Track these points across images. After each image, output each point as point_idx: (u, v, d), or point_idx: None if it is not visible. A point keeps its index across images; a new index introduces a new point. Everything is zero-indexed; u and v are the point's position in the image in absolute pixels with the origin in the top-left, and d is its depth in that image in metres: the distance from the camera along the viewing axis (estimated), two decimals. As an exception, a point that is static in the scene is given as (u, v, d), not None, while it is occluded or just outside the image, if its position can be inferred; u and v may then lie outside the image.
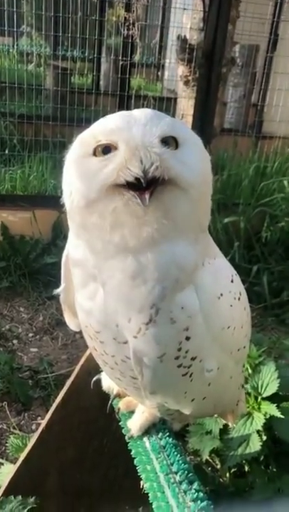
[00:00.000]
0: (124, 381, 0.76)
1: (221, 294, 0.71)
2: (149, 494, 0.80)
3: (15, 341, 2.39)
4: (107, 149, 0.62)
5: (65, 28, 4.09)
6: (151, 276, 0.63)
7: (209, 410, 0.92)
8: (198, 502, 0.74)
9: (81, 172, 0.63)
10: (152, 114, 0.63)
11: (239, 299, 0.75)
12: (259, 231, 2.94)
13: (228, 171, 3.45)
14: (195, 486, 0.77)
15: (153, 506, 0.79)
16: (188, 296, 0.66)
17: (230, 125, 5.16)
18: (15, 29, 4.10)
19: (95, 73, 5.31)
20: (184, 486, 0.77)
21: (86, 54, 5.09)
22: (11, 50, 5.24)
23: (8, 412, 1.85)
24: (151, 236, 0.62)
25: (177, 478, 0.78)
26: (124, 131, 0.61)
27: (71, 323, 0.86)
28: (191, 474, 0.79)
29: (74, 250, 0.69)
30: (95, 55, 5.14)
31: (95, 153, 0.63)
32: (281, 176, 3.22)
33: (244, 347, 0.81)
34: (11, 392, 1.93)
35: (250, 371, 1.54)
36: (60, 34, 4.27)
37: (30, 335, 2.46)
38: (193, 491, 0.76)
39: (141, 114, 0.63)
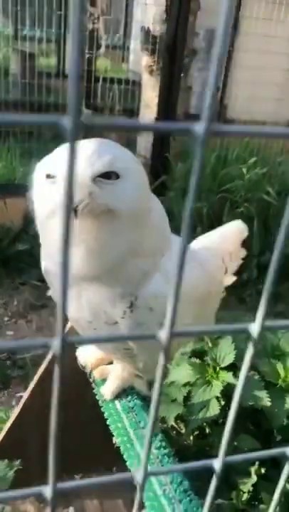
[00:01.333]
0: (119, 354, 0.89)
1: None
2: (121, 447, 0.96)
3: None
4: (52, 176, 0.72)
5: (28, 6, 4.07)
6: (121, 281, 0.76)
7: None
8: (161, 449, 0.91)
9: (36, 193, 0.75)
10: (93, 151, 0.71)
11: (194, 261, 0.90)
12: (220, 216, 3.11)
13: (192, 158, 3.59)
14: (159, 437, 0.93)
15: (124, 456, 0.94)
16: (158, 284, 0.79)
17: (197, 110, 5.25)
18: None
19: (60, 57, 5.26)
20: (148, 437, 0.93)
21: (51, 35, 5.05)
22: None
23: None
24: (93, 260, 0.73)
25: (143, 432, 0.94)
26: (62, 167, 0.69)
27: None
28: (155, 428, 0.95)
29: (48, 263, 0.80)
30: (60, 37, 5.09)
31: (45, 177, 0.73)
32: (241, 163, 3.39)
33: (209, 291, 0.95)
34: (-9, 372, 2.06)
35: (209, 345, 1.72)
36: (25, 18, 4.25)
37: (6, 319, 2.57)
38: (157, 441, 0.92)
39: (83, 150, 0.71)
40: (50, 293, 0.90)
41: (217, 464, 0.35)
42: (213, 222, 3.12)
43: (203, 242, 1.06)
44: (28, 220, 3.13)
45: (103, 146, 0.74)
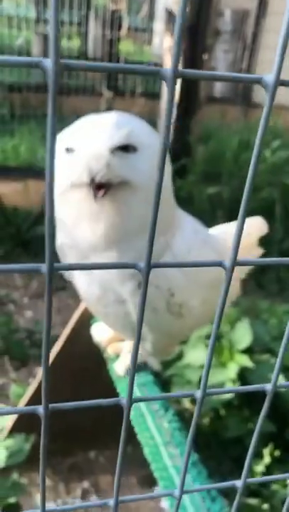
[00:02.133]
0: (127, 331, 0.90)
1: (190, 249, 0.84)
2: (133, 422, 0.97)
3: (11, 305, 2.55)
4: (71, 150, 0.72)
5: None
6: (133, 256, 0.75)
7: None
8: (173, 423, 0.91)
9: (57, 166, 0.75)
10: (112, 123, 0.71)
11: (205, 241, 0.89)
12: (241, 200, 3.07)
13: (215, 142, 3.55)
14: (170, 411, 0.94)
15: (136, 430, 0.95)
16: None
17: (222, 94, 5.17)
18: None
19: (82, 39, 5.24)
20: (160, 412, 0.93)
21: (73, 19, 5.03)
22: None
23: (8, 367, 2.02)
24: (106, 234, 0.73)
25: (155, 406, 0.95)
26: (80, 139, 0.70)
27: None
28: (166, 404, 0.96)
29: (63, 237, 0.79)
30: (82, 21, 5.07)
31: (65, 151, 0.72)
32: (265, 147, 3.33)
33: (220, 275, 0.94)
34: (10, 351, 2.10)
35: (227, 328, 1.72)
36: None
37: (25, 300, 2.61)
38: (170, 415, 0.93)
39: (102, 122, 0.72)
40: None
41: (239, 483, 0.37)
42: (234, 206, 3.09)
43: (221, 231, 1.05)
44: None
45: (122, 118, 0.74)
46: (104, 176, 0.69)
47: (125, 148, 0.71)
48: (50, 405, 0.30)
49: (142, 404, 0.95)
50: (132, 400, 0.31)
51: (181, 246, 0.83)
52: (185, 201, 3.02)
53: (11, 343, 2.08)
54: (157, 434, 0.91)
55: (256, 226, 1.09)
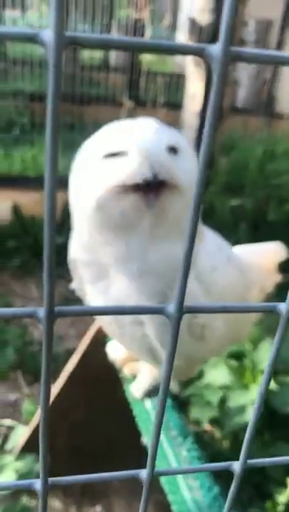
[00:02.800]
0: (144, 354, 0.84)
1: (214, 267, 0.78)
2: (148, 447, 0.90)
3: (26, 317, 2.50)
4: (114, 153, 0.67)
5: (76, 5, 4.09)
6: (157, 273, 0.71)
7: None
8: (192, 452, 0.84)
9: (91, 174, 0.69)
10: (157, 125, 0.70)
11: (229, 259, 0.84)
12: (266, 213, 2.99)
13: (237, 152, 3.49)
14: (189, 439, 0.87)
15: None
16: (189, 285, 0.74)
17: (245, 104, 5.12)
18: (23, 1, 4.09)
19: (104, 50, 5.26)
20: (179, 439, 0.86)
21: (96, 30, 5.06)
22: (19, 23, 5.20)
23: (21, 383, 1.97)
24: (152, 235, 0.68)
25: (173, 432, 0.88)
26: (135, 138, 0.67)
27: None
28: (185, 430, 0.89)
29: (82, 252, 0.75)
30: (105, 31, 5.10)
31: (103, 157, 0.68)
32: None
33: (243, 296, 0.88)
34: (23, 364, 2.05)
35: (249, 347, 1.64)
36: (71, 11, 4.26)
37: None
38: (188, 443, 0.86)
39: (148, 124, 0.70)
40: (73, 285, 0.85)
41: (237, 465, 0.33)
42: (258, 219, 3.01)
43: (244, 251, 0.99)
44: (67, 214, 3.13)
45: (160, 123, 0.71)
46: (166, 174, 0.65)
47: (172, 150, 0.69)
48: (50, 479, 0.25)
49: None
50: (153, 473, 0.25)
51: (206, 263, 0.76)
52: (207, 213, 2.95)
53: (25, 356, 2.03)
54: (175, 463, 0.84)
55: (273, 251, 1.03)
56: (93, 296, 0.78)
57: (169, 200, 0.67)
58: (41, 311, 0.22)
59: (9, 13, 5.10)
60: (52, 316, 0.22)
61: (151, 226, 0.68)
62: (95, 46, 0.20)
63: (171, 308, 0.23)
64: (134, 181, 0.65)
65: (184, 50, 0.22)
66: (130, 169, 0.65)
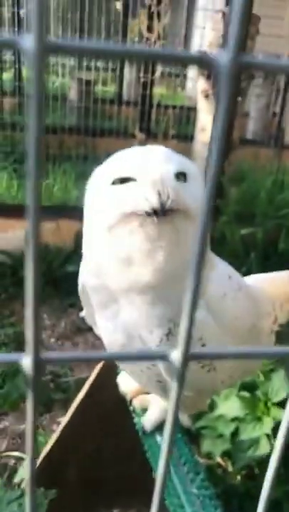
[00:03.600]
0: (150, 385, 0.83)
1: (224, 294, 0.78)
2: (160, 484, 0.88)
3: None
4: (124, 180, 0.69)
5: (89, 39, 4.23)
6: (168, 301, 0.71)
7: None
8: (203, 490, 0.82)
9: (102, 200, 0.70)
10: (166, 152, 0.71)
11: (240, 287, 0.83)
12: (276, 243, 2.99)
13: (247, 183, 3.52)
14: (201, 476, 0.85)
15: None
16: (198, 311, 0.74)
17: (254, 136, 5.18)
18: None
19: (117, 84, 5.41)
20: (190, 475, 0.85)
21: (109, 65, 5.21)
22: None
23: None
24: (164, 262, 0.68)
25: (185, 469, 0.86)
26: (144, 166, 0.68)
27: None
28: (197, 466, 0.87)
29: (92, 278, 0.75)
30: (118, 66, 5.25)
31: (113, 183, 0.70)
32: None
33: (254, 325, 0.87)
34: (34, 393, 2.04)
35: (261, 378, 1.61)
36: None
37: (52, 340, 2.56)
38: (199, 480, 0.84)
39: (156, 151, 0.71)
40: (83, 313, 0.85)
41: None
42: (268, 248, 3.01)
43: (255, 279, 0.99)
44: (80, 242, 3.16)
45: (170, 150, 0.73)
46: (174, 201, 0.66)
47: (182, 176, 0.69)
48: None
49: (170, 468, 0.86)
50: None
51: (216, 290, 0.77)
52: (218, 242, 2.96)
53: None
54: (186, 502, 0.82)
55: (286, 280, 1.03)
56: (102, 323, 0.79)
57: (179, 224, 0.68)
58: (26, 359, 0.20)
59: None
60: (39, 364, 0.20)
61: (162, 252, 0.67)
62: (78, 53, 0.19)
63: (176, 354, 0.22)
64: (142, 209, 0.66)
65: (185, 59, 0.21)
66: (138, 197, 0.66)
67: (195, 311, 0.21)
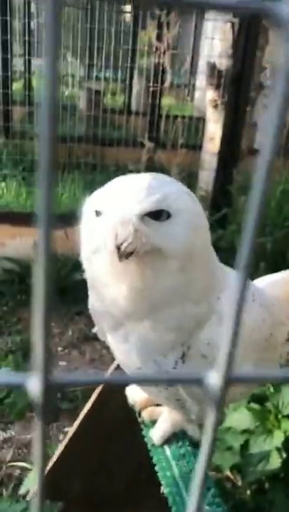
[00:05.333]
0: (170, 403, 0.82)
1: None
2: (169, 499, 0.86)
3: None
4: (99, 213, 0.68)
5: (98, 51, 4.26)
6: (171, 329, 0.70)
7: None
8: (214, 507, 0.80)
9: (84, 228, 0.72)
10: (143, 187, 0.66)
11: (254, 300, 0.82)
12: (285, 252, 2.96)
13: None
14: (211, 491, 0.82)
15: (172, 510, 0.84)
16: (212, 330, 0.72)
17: (262, 146, 5.17)
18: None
19: (126, 94, 5.45)
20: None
21: (118, 76, 5.26)
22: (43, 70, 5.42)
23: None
24: (132, 301, 0.68)
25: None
26: (112, 204, 0.66)
27: None
28: (208, 481, 0.85)
29: (96, 303, 0.75)
30: (127, 77, 5.28)
31: (93, 214, 0.69)
32: None
33: (271, 334, 0.86)
34: (40, 403, 2.02)
35: (271, 390, 1.58)
36: (94, 58, 4.45)
37: (60, 349, 2.55)
38: (210, 496, 0.82)
39: (133, 185, 0.67)
40: (95, 330, 0.84)
41: None
42: (278, 258, 2.98)
43: (267, 283, 0.97)
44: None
45: (156, 182, 0.68)
46: (130, 245, 0.63)
47: (157, 214, 0.66)
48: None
49: (180, 482, 0.84)
50: None
51: (227, 308, 0.75)
52: (226, 251, 2.93)
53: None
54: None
55: None
56: (115, 345, 0.77)
57: (148, 262, 0.66)
58: (33, 382, 0.18)
59: (36, 61, 5.35)
60: (48, 387, 0.18)
61: (136, 289, 0.67)
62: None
63: (214, 378, 0.20)
64: (103, 247, 0.65)
65: (242, 9, 0.18)
66: (100, 234, 0.65)
67: (237, 335, 0.19)
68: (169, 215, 0.66)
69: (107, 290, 0.69)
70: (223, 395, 0.21)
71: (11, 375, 0.20)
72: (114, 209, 0.65)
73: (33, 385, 0.17)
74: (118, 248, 0.63)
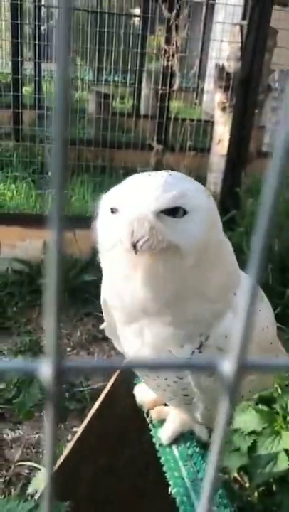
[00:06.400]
0: (176, 399, 0.83)
1: None
2: (176, 499, 0.87)
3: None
4: (114, 210, 0.70)
5: (108, 55, 4.29)
6: (188, 322, 0.72)
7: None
8: (222, 508, 0.80)
9: (100, 225, 0.73)
10: (159, 185, 0.67)
11: (262, 298, 0.84)
12: (293, 254, 2.96)
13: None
14: (219, 493, 0.83)
15: (180, 510, 0.85)
16: (229, 323, 0.74)
17: (270, 148, 5.18)
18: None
19: (135, 98, 5.47)
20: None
21: (127, 79, 5.28)
22: (55, 75, 5.48)
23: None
24: (146, 296, 0.69)
25: (203, 484, 0.84)
26: (129, 200, 0.67)
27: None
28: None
29: (110, 298, 0.76)
30: (136, 81, 5.31)
31: (111, 211, 0.71)
32: None
33: (275, 338, 0.89)
34: (49, 403, 2.03)
35: (279, 391, 1.58)
36: (103, 61, 4.47)
37: (68, 349, 2.56)
38: (218, 497, 0.82)
39: (149, 182, 0.68)
40: (103, 326, 0.85)
41: None
42: (285, 260, 2.98)
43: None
44: (96, 252, 3.17)
45: (171, 179, 0.69)
46: (146, 242, 0.64)
47: (173, 211, 0.67)
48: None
49: (188, 483, 0.85)
50: None
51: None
52: (234, 254, 2.93)
53: (51, 395, 2.01)
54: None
55: None
56: (127, 338, 0.78)
57: (164, 260, 0.67)
58: (45, 368, 0.19)
59: (45, 66, 5.40)
60: (59, 372, 0.19)
61: (151, 283, 0.68)
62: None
63: (228, 365, 0.20)
64: (120, 244, 0.66)
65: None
66: (117, 231, 0.67)
67: (252, 324, 0.20)
68: (185, 212, 0.67)
69: (125, 285, 0.70)
70: (237, 382, 0.21)
71: (23, 362, 0.21)
72: (130, 206, 0.66)
73: (45, 370, 0.17)
74: (134, 245, 0.64)
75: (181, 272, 0.68)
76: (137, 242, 0.64)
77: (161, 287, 0.68)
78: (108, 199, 0.71)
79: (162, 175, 0.70)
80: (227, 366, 0.20)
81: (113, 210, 0.69)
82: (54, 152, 0.19)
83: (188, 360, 0.67)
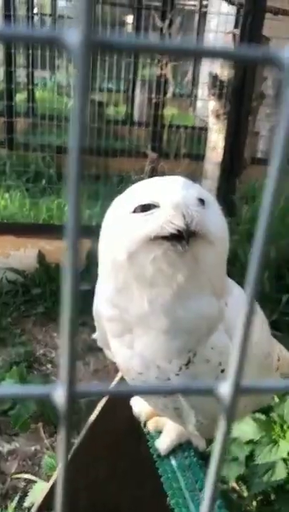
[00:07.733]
0: (167, 412, 0.82)
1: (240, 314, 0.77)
2: (175, 510, 0.86)
3: (49, 365, 2.48)
4: (145, 207, 0.70)
5: (101, 63, 4.31)
6: (184, 331, 0.71)
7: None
8: (220, 518, 0.79)
9: (123, 228, 0.71)
10: (185, 180, 0.73)
11: (256, 313, 0.83)
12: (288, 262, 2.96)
13: (259, 202, 3.51)
14: (217, 503, 0.82)
15: (178, 523, 0.84)
16: (218, 336, 0.74)
17: (265, 155, 5.20)
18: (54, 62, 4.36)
19: (128, 105, 5.48)
20: (206, 502, 0.82)
21: (121, 87, 5.30)
22: (48, 83, 5.51)
23: (42, 434, 1.93)
24: (183, 286, 0.69)
25: (201, 495, 0.83)
26: (166, 192, 0.70)
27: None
28: (213, 492, 0.84)
29: (108, 308, 0.75)
30: (129, 89, 5.33)
31: (134, 211, 0.70)
32: None
33: (269, 353, 0.88)
34: (45, 415, 2.01)
35: (276, 400, 1.58)
36: (97, 69, 4.49)
37: (64, 359, 2.55)
38: (216, 507, 0.81)
39: (175, 179, 0.73)
40: (95, 336, 0.85)
41: None
42: (281, 268, 2.98)
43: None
44: (91, 261, 3.16)
45: (187, 179, 0.74)
46: (197, 225, 0.67)
47: (201, 202, 0.71)
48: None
49: (186, 493, 0.84)
50: None
51: (232, 314, 0.76)
52: (229, 261, 2.93)
53: (46, 406, 1.99)
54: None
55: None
56: (118, 350, 0.78)
57: (200, 249, 0.69)
58: (58, 392, 0.18)
59: (38, 74, 5.41)
60: (72, 398, 0.19)
61: (184, 278, 0.68)
62: (124, 49, 0.19)
63: (225, 388, 0.20)
64: (168, 231, 0.67)
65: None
66: (164, 220, 0.67)
67: (247, 344, 0.20)
68: (204, 204, 0.71)
69: (148, 291, 0.69)
70: (234, 404, 0.21)
71: (37, 387, 0.21)
72: (173, 197, 0.68)
73: (59, 395, 0.17)
74: (187, 228, 0.66)
75: (208, 260, 0.70)
76: (190, 224, 0.66)
77: (192, 276, 0.69)
78: (132, 199, 0.72)
79: (174, 176, 0.74)
80: (224, 389, 0.20)
81: (144, 207, 0.69)
82: (70, 162, 0.19)
83: (188, 384, 0.66)
